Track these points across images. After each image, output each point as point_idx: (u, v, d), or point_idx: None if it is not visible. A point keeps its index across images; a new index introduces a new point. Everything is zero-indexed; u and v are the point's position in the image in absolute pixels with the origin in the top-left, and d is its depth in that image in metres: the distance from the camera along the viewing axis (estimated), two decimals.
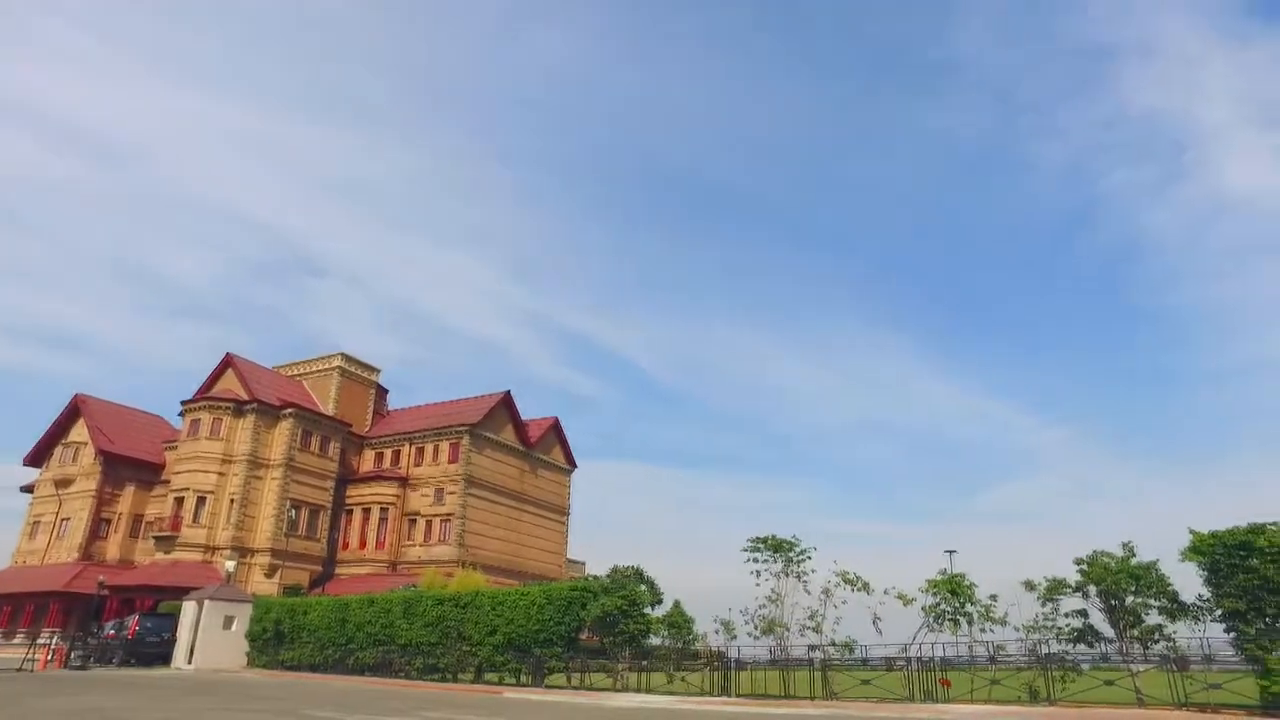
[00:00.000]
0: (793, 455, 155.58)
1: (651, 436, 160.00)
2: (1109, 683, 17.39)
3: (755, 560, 22.40)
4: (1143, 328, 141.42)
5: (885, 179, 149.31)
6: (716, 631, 22.79)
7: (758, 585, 22.11)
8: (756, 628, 21.77)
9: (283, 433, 51.24)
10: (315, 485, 52.14)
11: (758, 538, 22.63)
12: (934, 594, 20.01)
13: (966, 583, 19.96)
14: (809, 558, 21.74)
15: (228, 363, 53.35)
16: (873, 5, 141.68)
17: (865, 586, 20.76)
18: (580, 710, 18.19)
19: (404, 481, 55.10)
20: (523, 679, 25.51)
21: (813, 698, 19.61)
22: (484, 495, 55.22)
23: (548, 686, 24.35)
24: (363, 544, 53.78)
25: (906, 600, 20.26)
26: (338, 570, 52.90)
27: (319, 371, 59.53)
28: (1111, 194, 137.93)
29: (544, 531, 61.52)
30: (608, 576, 25.31)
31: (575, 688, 24.04)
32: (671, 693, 21.69)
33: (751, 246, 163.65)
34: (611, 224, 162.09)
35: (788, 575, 21.78)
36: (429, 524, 53.34)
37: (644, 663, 23.76)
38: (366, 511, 54.52)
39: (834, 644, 20.76)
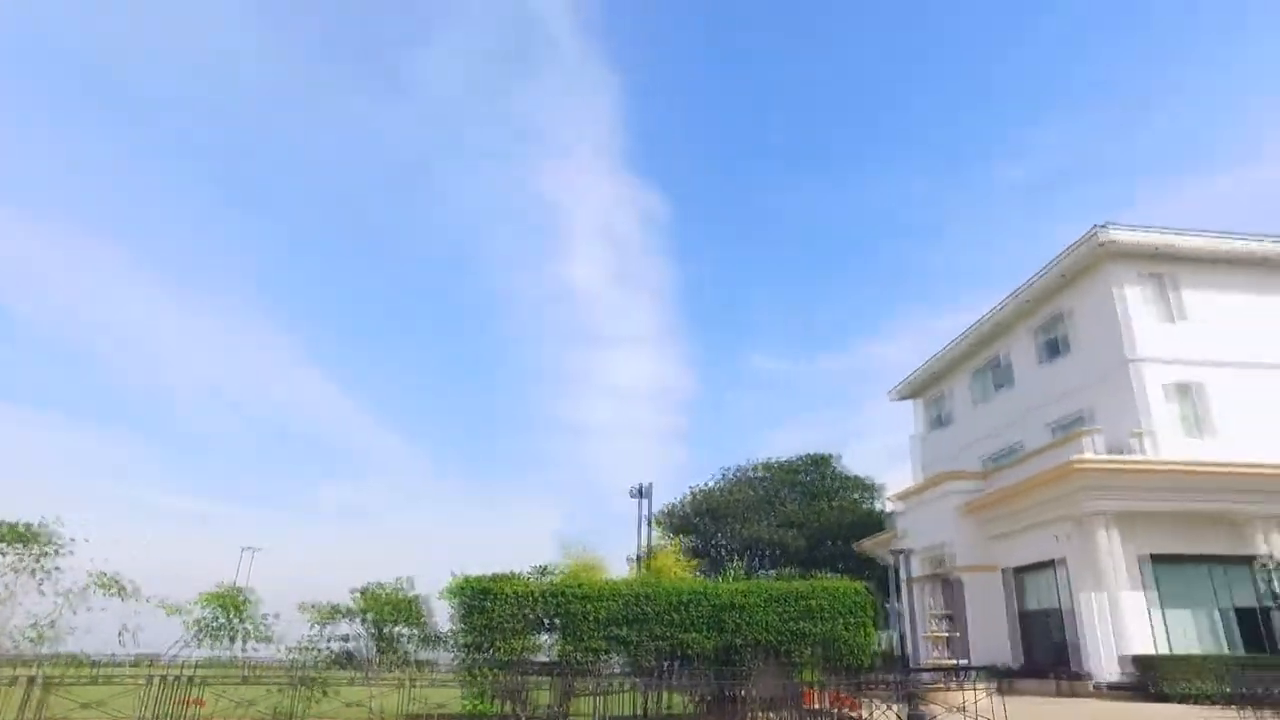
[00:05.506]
0: (121, 410, 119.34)
1: None
2: (357, 704, 19.05)
3: None
4: (492, 370, 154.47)
5: (336, 166, 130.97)
6: None
7: None
8: None
9: None
10: None
11: None
12: (207, 607, 18.75)
13: (244, 599, 19.38)
14: (71, 552, 17.55)
15: None
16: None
17: (122, 591, 18.03)
18: None
19: None
20: None
21: None
22: None
23: None
24: None
25: (171, 611, 18.37)
26: None
27: None
28: (493, 252, 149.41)
29: None
30: None
31: None
32: None
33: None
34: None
35: (26, 572, 17.09)
36: None
37: None
38: None
39: (69, 656, 17.04)
